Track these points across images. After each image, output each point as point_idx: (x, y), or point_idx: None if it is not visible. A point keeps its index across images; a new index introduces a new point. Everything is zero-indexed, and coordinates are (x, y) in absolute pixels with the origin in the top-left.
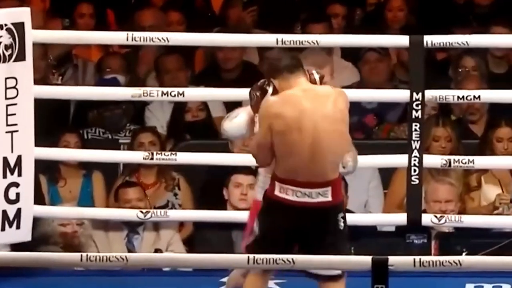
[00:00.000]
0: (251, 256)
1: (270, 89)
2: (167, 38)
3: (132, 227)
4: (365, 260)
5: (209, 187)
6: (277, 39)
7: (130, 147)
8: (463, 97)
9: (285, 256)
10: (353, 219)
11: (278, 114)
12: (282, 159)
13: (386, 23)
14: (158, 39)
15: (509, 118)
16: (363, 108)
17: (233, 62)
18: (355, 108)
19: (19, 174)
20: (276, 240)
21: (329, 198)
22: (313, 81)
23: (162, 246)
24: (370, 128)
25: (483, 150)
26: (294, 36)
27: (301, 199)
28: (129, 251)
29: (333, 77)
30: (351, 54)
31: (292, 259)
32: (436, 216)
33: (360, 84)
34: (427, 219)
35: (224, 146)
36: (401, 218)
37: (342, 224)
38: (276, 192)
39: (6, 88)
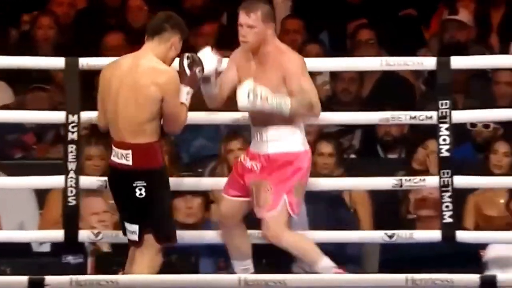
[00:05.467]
0: None
1: None
2: None
3: None
4: (21, 280)
5: None
6: None
7: None
8: None
9: None
10: (6, 236)
11: (101, 75)
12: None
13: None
14: None
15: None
16: (24, 127)
17: None
18: (16, 126)
19: None
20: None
21: (130, 162)
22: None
23: None
24: (29, 146)
25: None
26: None
27: (113, 158)
28: None
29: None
30: (5, 73)
31: None
32: (93, 233)
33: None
34: (84, 236)
35: None
36: (58, 235)
37: (142, 193)
38: None
39: None
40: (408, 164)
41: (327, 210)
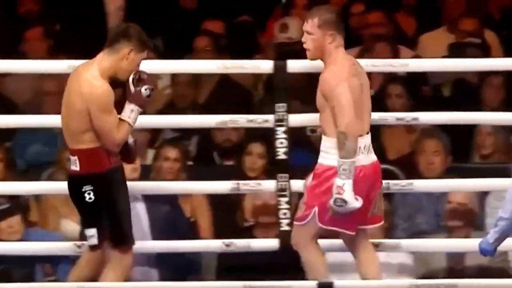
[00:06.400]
0: None
1: None
2: None
3: None
4: None
5: None
6: None
7: None
8: None
9: None
10: None
11: None
12: None
13: None
14: None
15: None
16: None
17: None
18: None
19: None
20: None
21: (77, 168)
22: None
23: None
24: None
25: None
26: None
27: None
28: None
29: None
30: None
31: None
32: None
33: None
34: None
35: None
36: None
37: (91, 197)
38: None
39: None
40: (241, 170)
41: (166, 216)
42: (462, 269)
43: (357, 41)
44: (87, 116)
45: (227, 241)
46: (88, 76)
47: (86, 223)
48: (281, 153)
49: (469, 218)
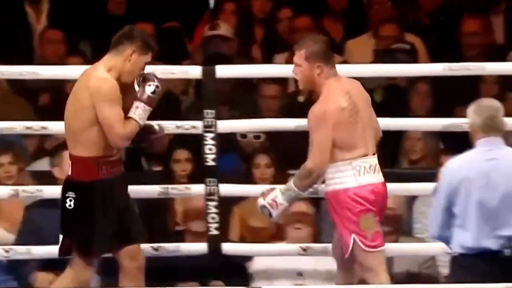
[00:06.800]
0: None
1: None
2: None
3: None
4: None
5: None
6: None
7: None
8: None
9: None
10: None
11: None
12: None
13: None
14: None
15: None
16: None
17: None
18: None
19: None
20: None
21: (69, 172)
22: None
23: None
24: None
25: None
26: None
27: None
28: None
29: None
30: None
31: None
32: None
33: None
34: None
35: None
36: None
37: (71, 204)
38: None
39: None
40: (170, 175)
41: None
42: (390, 275)
43: (285, 47)
44: (92, 110)
45: (155, 245)
46: (95, 73)
47: (60, 227)
48: (210, 159)
49: (398, 223)
